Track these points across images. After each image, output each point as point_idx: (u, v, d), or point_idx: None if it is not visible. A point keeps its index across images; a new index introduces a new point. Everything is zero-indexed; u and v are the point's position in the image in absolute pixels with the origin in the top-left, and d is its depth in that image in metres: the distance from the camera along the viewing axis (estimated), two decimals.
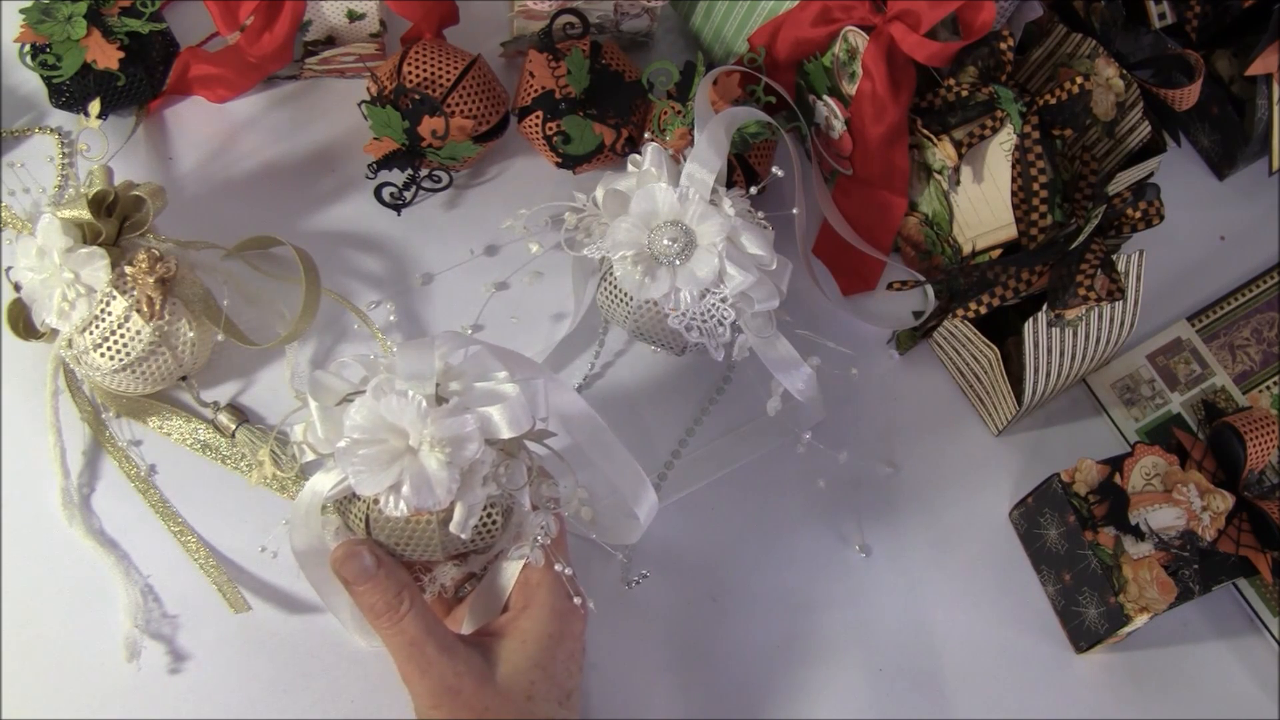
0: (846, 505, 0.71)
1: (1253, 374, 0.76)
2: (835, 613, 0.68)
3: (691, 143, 0.67)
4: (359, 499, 0.53)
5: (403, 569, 0.54)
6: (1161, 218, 0.68)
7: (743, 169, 0.72)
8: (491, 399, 0.51)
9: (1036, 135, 0.70)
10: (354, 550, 0.52)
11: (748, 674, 0.66)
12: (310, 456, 0.53)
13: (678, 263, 0.64)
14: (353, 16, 0.78)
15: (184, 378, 0.69)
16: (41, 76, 0.74)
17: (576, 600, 0.56)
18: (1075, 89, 0.70)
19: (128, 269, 0.65)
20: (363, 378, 0.53)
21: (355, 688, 0.63)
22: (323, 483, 0.53)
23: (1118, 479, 0.65)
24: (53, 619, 0.63)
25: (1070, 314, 0.66)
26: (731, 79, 0.73)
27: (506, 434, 0.51)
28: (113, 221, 0.65)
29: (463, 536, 0.51)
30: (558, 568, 0.55)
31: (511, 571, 0.56)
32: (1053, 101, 0.71)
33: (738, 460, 0.71)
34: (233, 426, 0.68)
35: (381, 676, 0.64)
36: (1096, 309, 0.67)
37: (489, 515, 0.53)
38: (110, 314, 0.65)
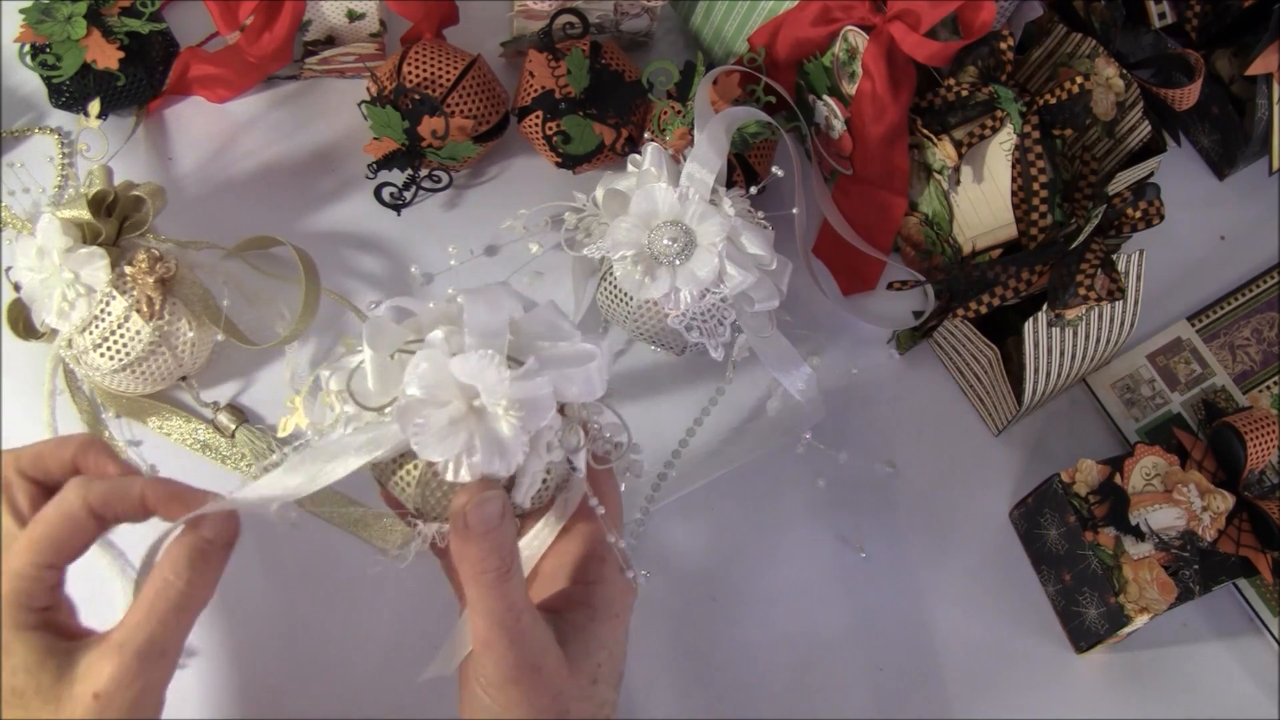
0: (846, 505, 0.71)
1: (1253, 374, 0.76)
2: (835, 613, 0.68)
3: (691, 143, 0.67)
4: (410, 461, 0.48)
5: (514, 528, 0.49)
6: (1161, 217, 0.68)
7: (743, 169, 0.72)
8: (569, 361, 0.47)
9: (1036, 135, 0.70)
10: (487, 496, 0.46)
11: (748, 674, 0.66)
12: (352, 409, 0.48)
13: (678, 263, 0.64)
14: (353, 16, 0.78)
15: (184, 378, 0.69)
16: (41, 76, 0.74)
17: (629, 575, 0.52)
18: (1075, 89, 0.70)
19: (128, 269, 0.65)
20: (414, 325, 0.48)
21: (355, 686, 0.63)
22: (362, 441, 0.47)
23: (1118, 479, 0.65)
24: None
25: (1070, 314, 0.66)
26: (731, 79, 0.73)
27: (579, 400, 0.47)
28: (112, 221, 0.65)
29: (525, 505, 0.48)
30: (610, 539, 0.51)
31: (548, 536, 0.52)
32: (1053, 101, 0.71)
33: (738, 460, 0.71)
34: (233, 426, 0.68)
35: (382, 675, 0.64)
36: (1096, 309, 0.67)
37: (544, 482, 0.49)
38: (110, 314, 0.65)
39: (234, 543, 0.48)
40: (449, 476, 0.45)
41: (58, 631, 0.47)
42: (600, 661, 0.49)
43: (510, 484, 0.47)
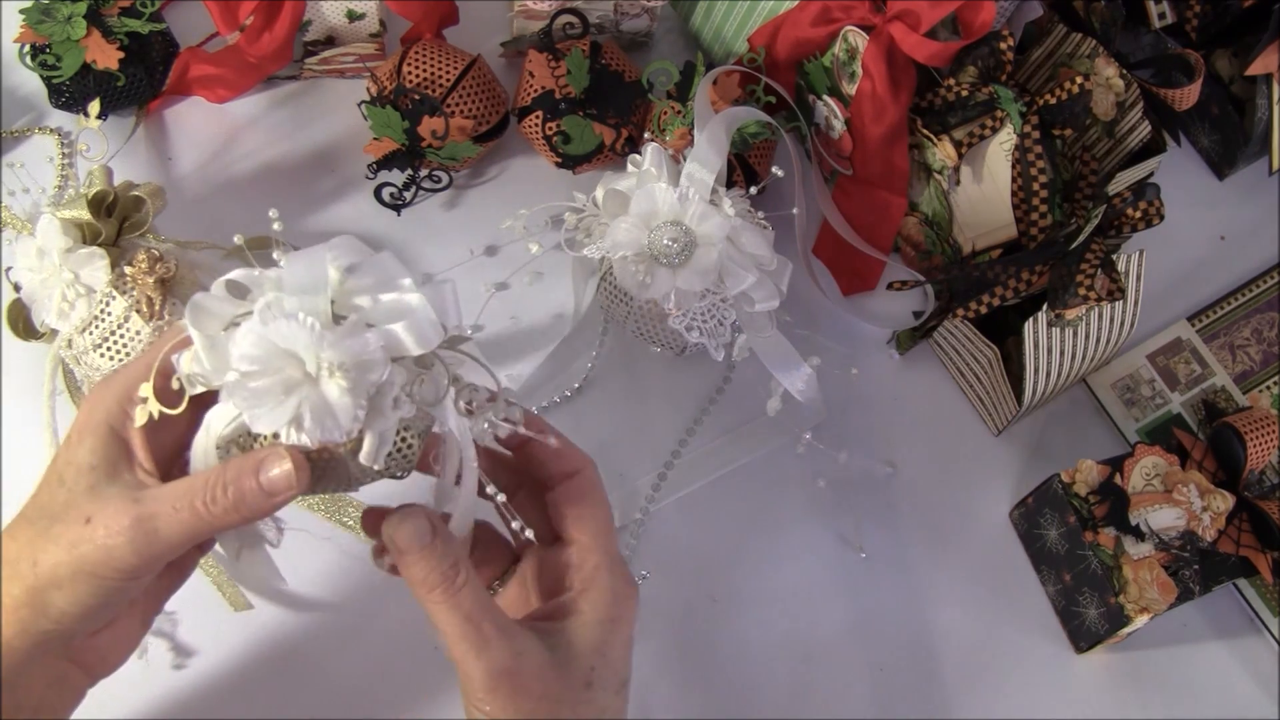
0: (846, 505, 0.71)
1: (1253, 374, 0.76)
2: (835, 612, 0.68)
3: (691, 143, 0.67)
4: (258, 437, 0.47)
5: (456, 540, 0.48)
6: (1161, 217, 0.68)
7: (743, 169, 0.72)
8: (397, 313, 0.46)
9: (1036, 135, 0.70)
10: (410, 514, 0.47)
11: (748, 674, 0.66)
12: (200, 389, 0.46)
13: (678, 263, 0.64)
14: (353, 16, 0.78)
15: None
16: (41, 76, 0.74)
17: (635, 576, 0.52)
18: (1075, 89, 0.70)
19: (127, 269, 0.65)
20: (249, 296, 0.47)
21: (356, 685, 0.63)
22: (218, 418, 0.47)
23: (1118, 479, 0.65)
24: None
25: (1070, 314, 0.66)
26: (731, 79, 0.73)
27: (415, 351, 0.46)
28: (112, 222, 0.65)
29: (376, 467, 0.46)
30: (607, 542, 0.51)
31: (569, 554, 0.52)
32: (1053, 101, 0.71)
33: (738, 460, 0.71)
34: None
35: (381, 674, 0.64)
36: (1096, 309, 0.67)
37: (403, 440, 0.47)
38: (110, 314, 0.65)
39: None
40: (290, 442, 0.44)
41: (129, 454, 0.48)
42: (594, 666, 0.49)
43: (357, 447, 0.45)
